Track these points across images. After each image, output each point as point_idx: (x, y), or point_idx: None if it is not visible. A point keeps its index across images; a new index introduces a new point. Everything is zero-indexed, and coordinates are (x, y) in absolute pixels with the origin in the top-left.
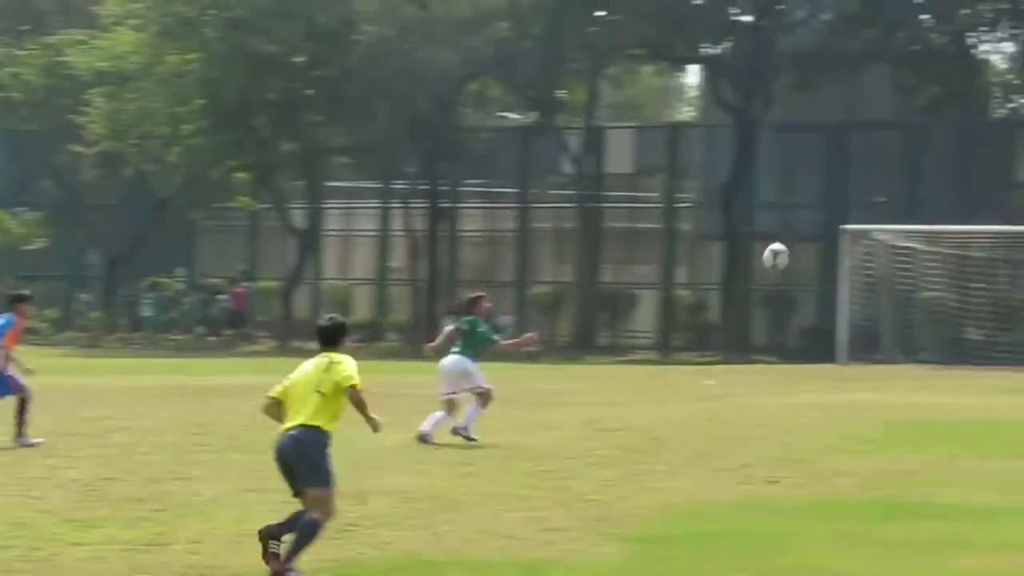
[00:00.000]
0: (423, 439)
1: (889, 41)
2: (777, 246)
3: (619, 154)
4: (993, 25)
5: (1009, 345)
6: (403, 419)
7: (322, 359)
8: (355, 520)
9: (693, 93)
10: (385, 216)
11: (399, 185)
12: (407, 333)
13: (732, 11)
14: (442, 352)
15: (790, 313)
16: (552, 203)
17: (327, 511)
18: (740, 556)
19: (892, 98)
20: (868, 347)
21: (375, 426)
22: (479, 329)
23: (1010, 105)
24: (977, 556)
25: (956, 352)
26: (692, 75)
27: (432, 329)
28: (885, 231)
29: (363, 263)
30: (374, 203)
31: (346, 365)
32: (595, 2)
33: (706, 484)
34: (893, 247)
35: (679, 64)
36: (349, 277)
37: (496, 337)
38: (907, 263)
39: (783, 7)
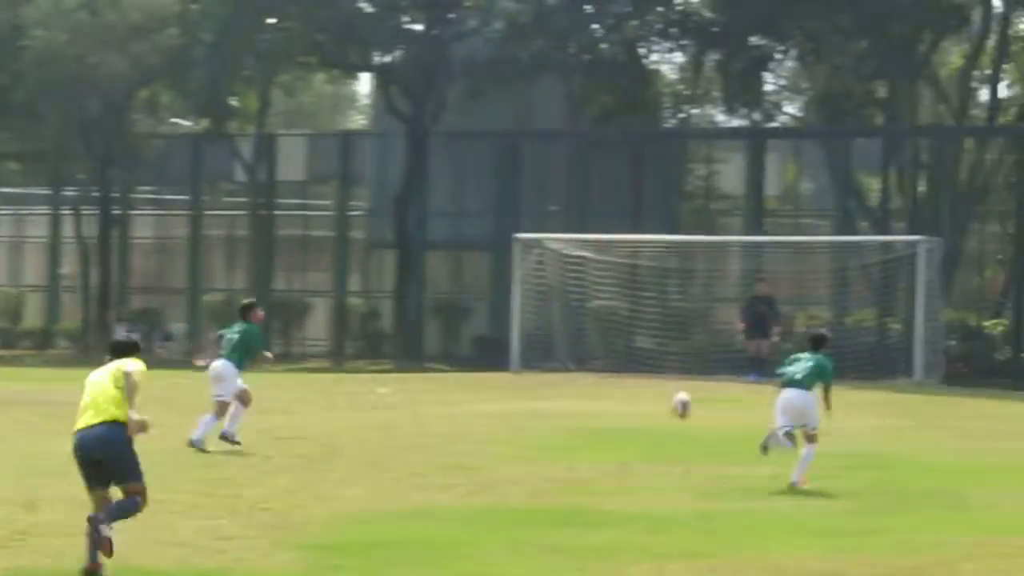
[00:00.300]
0: (194, 444)
1: (560, 51)
2: (683, 396)
3: (291, 162)
4: (663, 36)
5: (679, 354)
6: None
7: (114, 365)
8: (26, 528)
9: (365, 101)
10: (56, 222)
11: (70, 191)
12: (78, 340)
13: (404, 19)
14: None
15: (463, 322)
16: (224, 210)
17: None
18: (413, 564)
19: (564, 107)
20: (540, 355)
21: (138, 426)
22: (252, 336)
23: (680, 115)
24: (653, 563)
25: (628, 361)
26: (364, 83)
27: (104, 336)
28: (557, 240)
29: (34, 269)
30: (44, 209)
31: (136, 361)
32: (266, 9)
33: (380, 492)
34: (564, 256)
35: (351, 72)
36: (20, 284)
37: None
38: (578, 272)
39: (455, 16)
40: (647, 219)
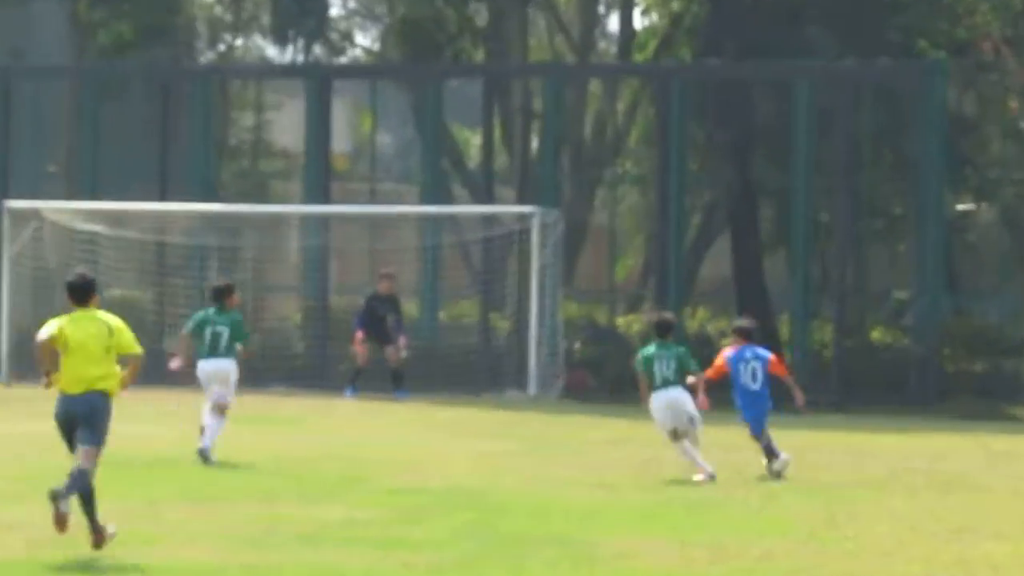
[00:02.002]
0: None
1: None
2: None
3: None
4: None
5: None
6: None
7: (99, 323)
8: None
9: None
10: None
11: None
12: None
13: None
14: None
15: None
16: None
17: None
18: None
19: (67, 36)
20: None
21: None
22: (238, 328)
23: (220, 48)
24: None
25: (156, 367)
26: None
27: None
28: (59, 209)
29: None
30: None
31: (128, 333)
32: None
33: None
34: (70, 231)
35: None
36: None
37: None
38: (90, 252)
39: None
40: (177, 183)
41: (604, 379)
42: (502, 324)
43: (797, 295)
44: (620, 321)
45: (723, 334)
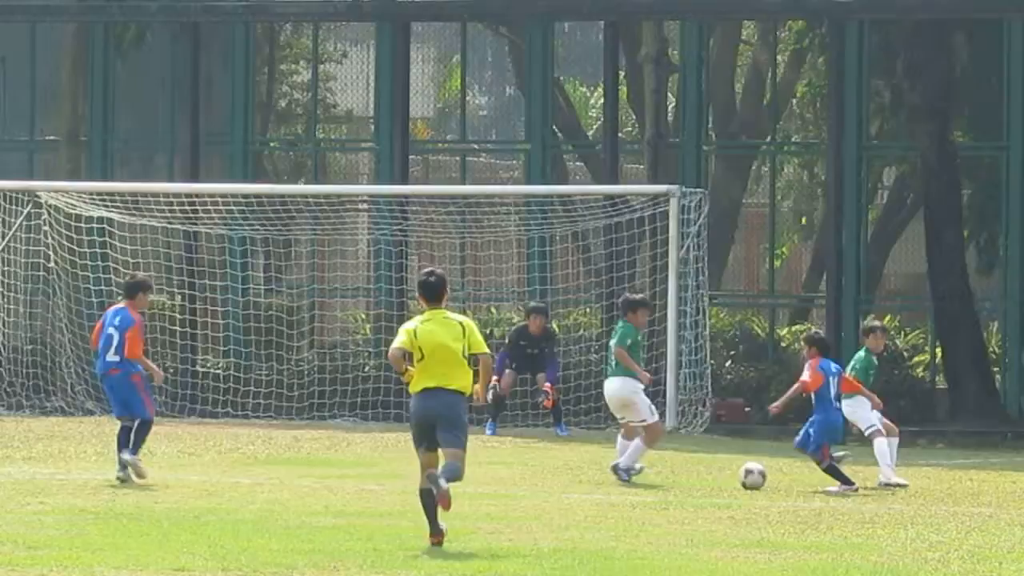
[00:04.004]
0: None
1: None
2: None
3: None
4: None
5: None
6: None
7: (451, 324)
8: None
9: None
10: None
11: None
12: None
13: None
14: None
15: None
16: None
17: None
18: None
19: None
20: None
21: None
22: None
23: None
24: None
25: None
26: None
27: None
28: (58, 190)
29: None
30: None
31: (478, 333)
32: None
33: None
34: (77, 218)
35: None
36: None
37: None
38: (101, 244)
39: None
40: (211, 157)
41: (762, 408)
42: None
43: (1013, 298)
44: (783, 333)
45: (917, 349)
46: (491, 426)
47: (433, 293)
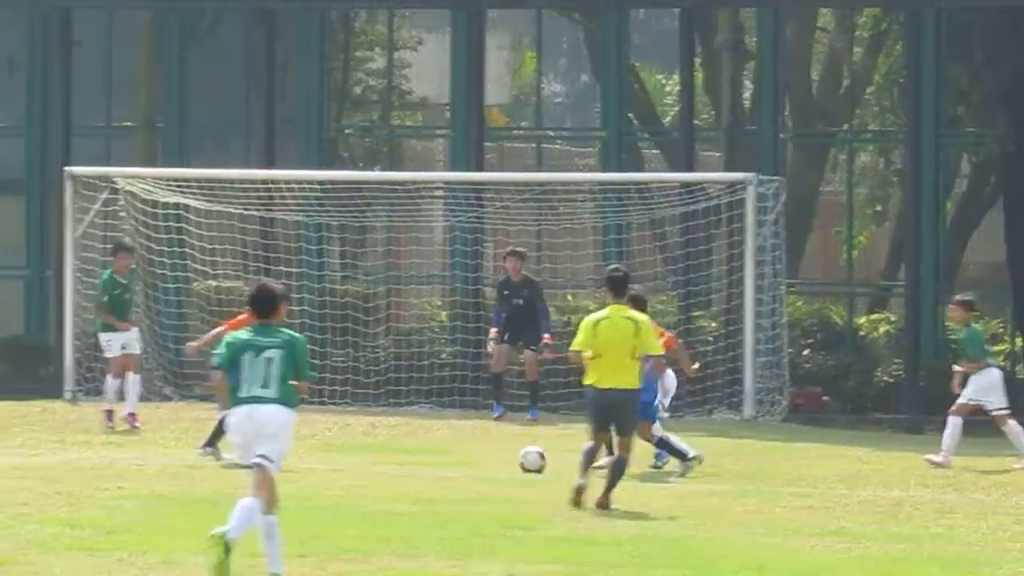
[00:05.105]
0: None
1: None
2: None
3: None
4: None
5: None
6: None
7: (626, 322)
8: None
9: None
10: None
11: None
12: None
13: None
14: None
15: None
16: None
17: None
18: None
19: None
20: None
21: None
22: None
23: None
24: None
25: None
26: None
27: None
28: (134, 176)
29: None
30: None
31: (652, 333)
32: None
33: None
34: (153, 203)
35: None
36: None
37: None
38: (176, 230)
39: None
40: (286, 144)
41: (841, 397)
42: (708, 326)
43: None
44: (861, 322)
45: (996, 338)
46: (533, 411)
47: (622, 288)
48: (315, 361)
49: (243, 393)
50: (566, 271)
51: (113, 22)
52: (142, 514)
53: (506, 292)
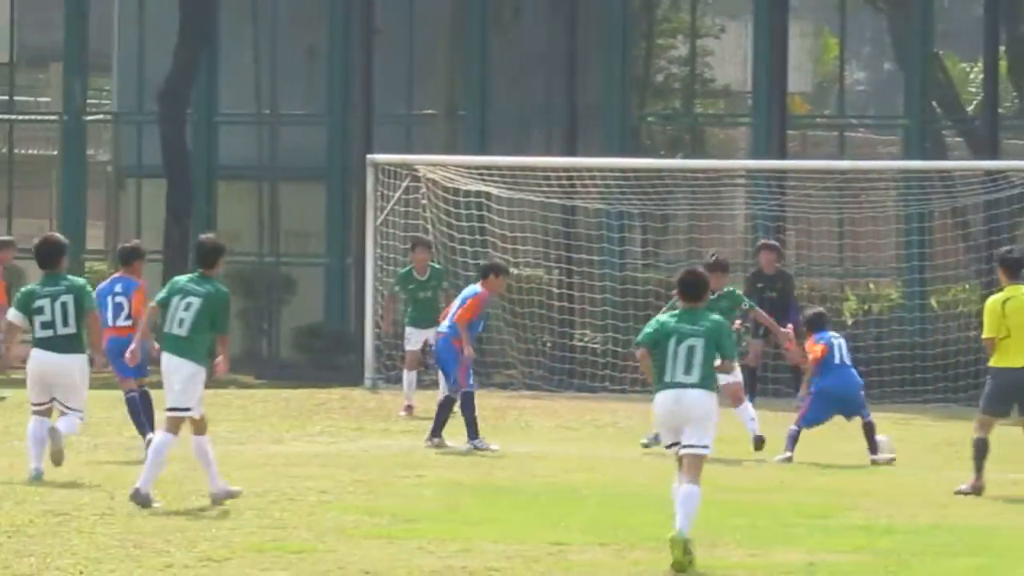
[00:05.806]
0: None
1: None
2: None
3: None
4: None
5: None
6: None
7: None
8: None
9: None
10: None
11: None
12: None
13: None
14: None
15: (280, 303)
16: None
17: None
18: None
19: None
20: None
21: None
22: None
23: None
24: None
25: (558, 370)
26: None
27: None
28: (438, 164)
29: None
30: None
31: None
32: None
33: None
34: (454, 191)
35: None
36: None
37: None
38: (479, 219)
39: None
40: (588, 132)
41: None
42: None
43: None
44: None
45: None
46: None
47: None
48: (616, 349)
49: (668, 378)
50: (868, 259)
51: (414, 10)
52: (441, 502)
53: (759, 285)
